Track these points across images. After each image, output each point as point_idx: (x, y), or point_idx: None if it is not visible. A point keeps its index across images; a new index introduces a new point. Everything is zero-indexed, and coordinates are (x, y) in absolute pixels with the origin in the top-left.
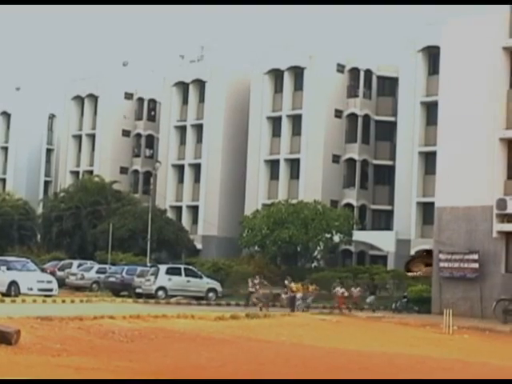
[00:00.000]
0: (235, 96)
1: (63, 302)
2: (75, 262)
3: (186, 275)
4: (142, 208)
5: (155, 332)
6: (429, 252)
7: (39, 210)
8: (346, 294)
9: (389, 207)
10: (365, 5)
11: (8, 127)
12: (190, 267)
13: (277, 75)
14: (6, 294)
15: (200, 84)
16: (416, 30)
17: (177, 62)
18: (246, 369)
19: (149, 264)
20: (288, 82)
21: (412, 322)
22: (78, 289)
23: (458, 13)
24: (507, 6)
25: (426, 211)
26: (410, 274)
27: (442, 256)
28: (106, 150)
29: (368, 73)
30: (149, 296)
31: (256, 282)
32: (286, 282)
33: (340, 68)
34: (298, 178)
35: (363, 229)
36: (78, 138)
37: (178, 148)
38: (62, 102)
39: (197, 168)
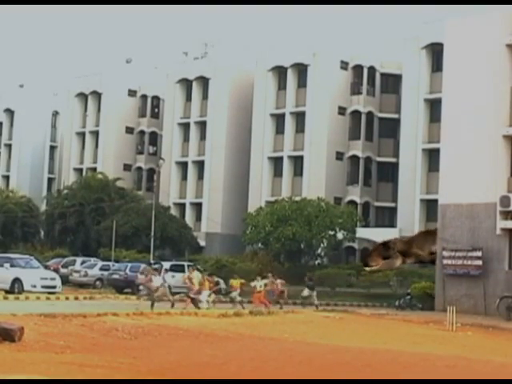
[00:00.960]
0: (239, 93)
1: (67, 299)
2: (79, 259)
3: None
4: (146, 205)
5: (159, 329)
6: (385, 244)
7: (43, 207)
8: (259, 288)
9: (392, 204)
10: (368, 4)
11: (11, 124)
12: (194, 264)
13: (280, 72)
14: (10, 291)
15: (203, 81)
16: (419, 26)
17: (180, 59)
18: (249, 366)
19: (152, 261)
20: (291, 79)
21: (415, 319)
22: (81, 286)
23: (462, 10)
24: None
25: (430, 208)
26: (367, 268)
27: (445, 253)
28: (109, 147)
29: (371, 70)
30: None
31: (146, 273)
32: (187, 274)
33: (343, 65)
34: (301, 175)
35: (367, 226)
36: (82, 135)
37: (181, 145)
38: (65, 98)
39: (200, 165)
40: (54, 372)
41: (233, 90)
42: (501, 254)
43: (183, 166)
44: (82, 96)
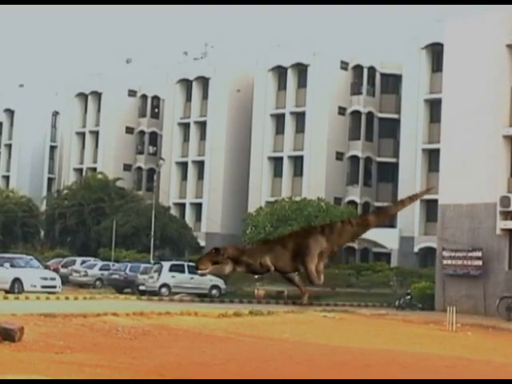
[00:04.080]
0: (239, 93)
1: (66, 298)
2: (79, 259)
3: (190, 272)
4: (146, 205)
5: (158, 329)
6: (217, 250)
7: (43, 207)
8: None
9: None
10: (368, 4)
11: (11, 124)
12: (194, 264)
13: (280, 72)
14: (10, 291)
15: (203, 81)
16: (419, 27)
17: (180, 59)
18: (249, 366)
19: (152, 261)
20: (291, 79)
21: (415, 320)
22: (81, 286)
23: (462, 10)
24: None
25: (430, 208)
26: (199, 271)
27: (445, 253)
28: (109, 147)
29: (371, 70)
30: (152, 293)
31: None
32: None
33: (343, 65)
34: (301, 175)
35: None
36: (82, 135)
37: (181, 145)
38: (65, 98)
39: (200, 165)
40: (53, 372)
41: (233, 90)
42: (501, 254)
43: (183, 166)
44: (82, 96)
